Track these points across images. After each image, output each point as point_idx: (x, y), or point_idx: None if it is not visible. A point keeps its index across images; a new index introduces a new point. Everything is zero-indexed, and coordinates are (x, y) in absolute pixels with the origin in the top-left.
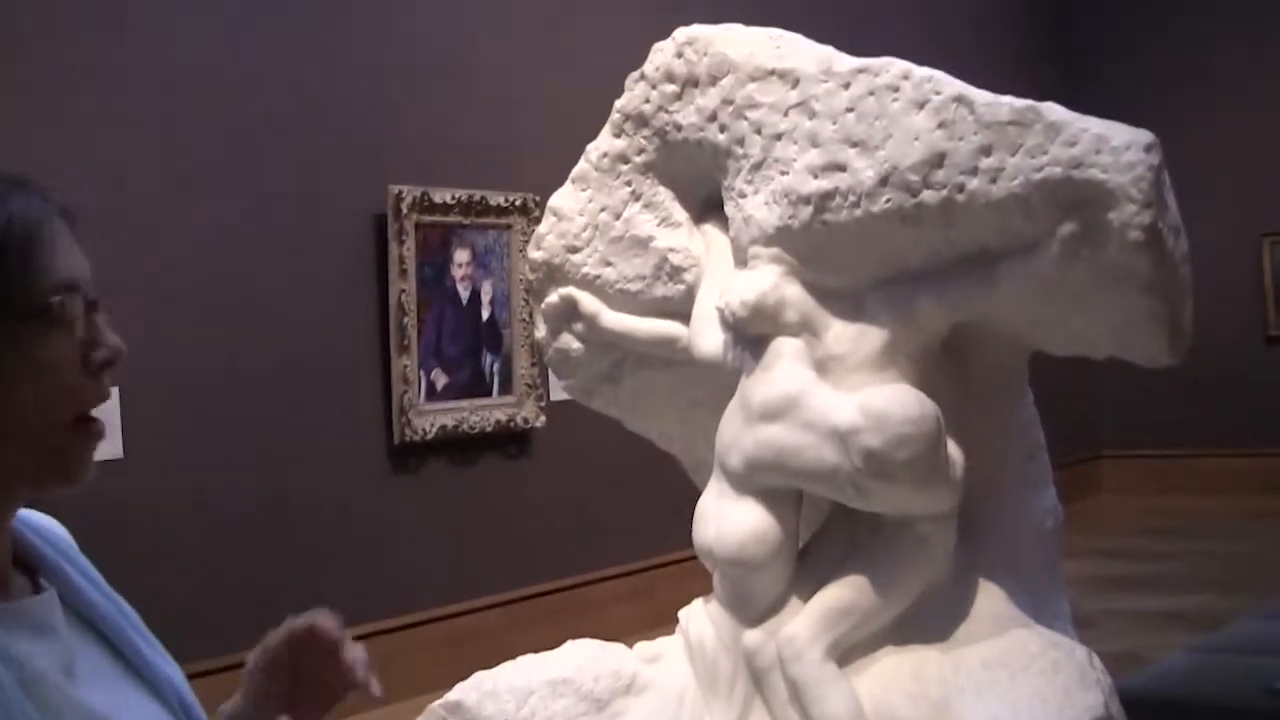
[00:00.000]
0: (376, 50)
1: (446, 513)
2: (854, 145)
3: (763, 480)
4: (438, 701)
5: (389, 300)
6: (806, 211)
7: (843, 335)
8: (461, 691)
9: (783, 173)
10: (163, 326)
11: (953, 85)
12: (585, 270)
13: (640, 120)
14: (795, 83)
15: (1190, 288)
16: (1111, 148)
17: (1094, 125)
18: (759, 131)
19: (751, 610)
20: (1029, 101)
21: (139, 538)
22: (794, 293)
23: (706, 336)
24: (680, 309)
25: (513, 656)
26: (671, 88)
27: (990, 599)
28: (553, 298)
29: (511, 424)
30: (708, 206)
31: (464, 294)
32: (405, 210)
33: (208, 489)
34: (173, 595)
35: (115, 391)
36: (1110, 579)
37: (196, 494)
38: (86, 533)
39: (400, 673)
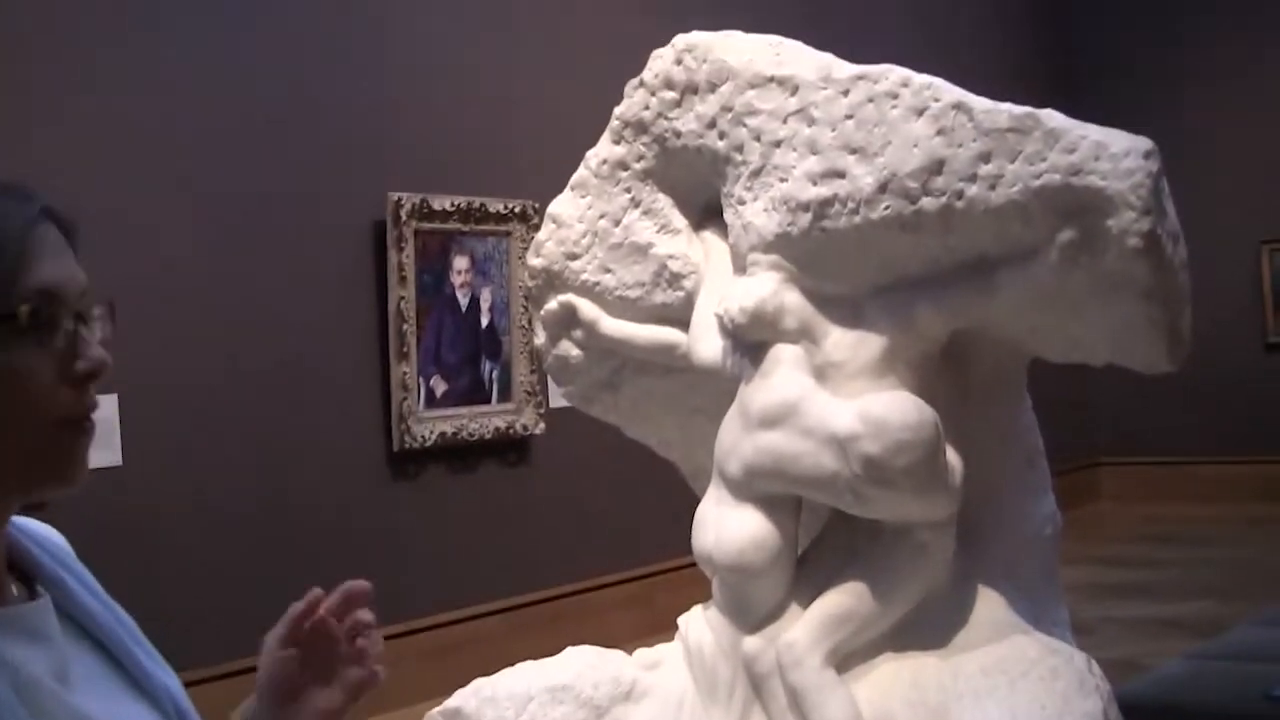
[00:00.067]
0: (376, 57)
1: (446, 520)
2: (853, 152)
3: (762, 487)
4: (437, 708)
5: (388, 307)
6: (805, 218)
7: (842, 342)
8: (461, 698)
9: (782, 179)
10: (162, 332)
11: (952, 92)
12: (584, 277)
13: (640, 127)
14: (794, 90)
15: (1189, 294)
16: (1110, 155)
17: (1093, 132)
18: (758, 138)
19: (750, 617)
20: (1028, 108)
21: (138, 544)
22: (793, 299)
23: (705, 343)
24: (679, 316)
25: (512, 663)
26: (671, 94)
27: (989, 605)
28: (552, 304)
29: (510, 431)
30: (707, 213)
31: (463, 301)
32: (404, 217)
33: (207, 496)
34: (171, 602)
35: (114, 400)
36: (1109, 586)
37: (196, 501)
38: (85, 539)
39: (399, 679)
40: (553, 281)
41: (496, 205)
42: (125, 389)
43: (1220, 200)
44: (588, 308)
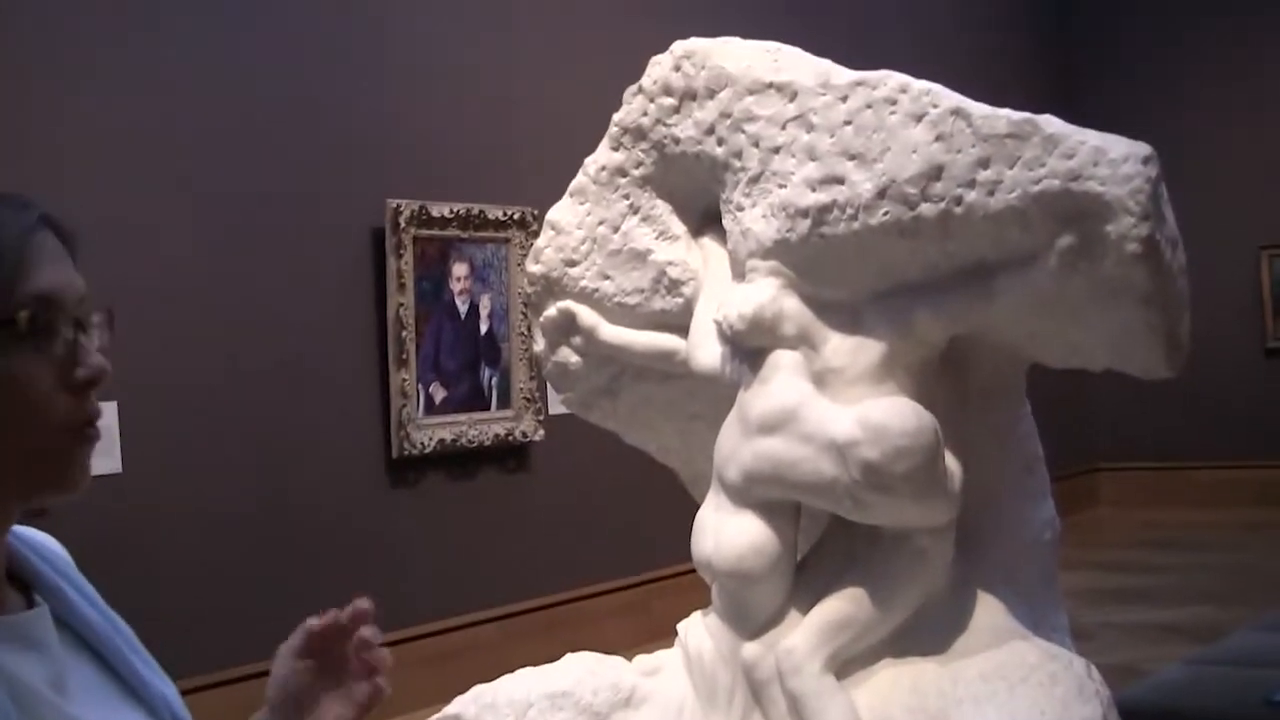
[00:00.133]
0: (375, 62)
1: (445, 526)
2: (852, 158)
3: (761, 493)
4: (436, 715)
5: (387, 314)
6: (804, 224)
7: (841, 348)
8: (460, 705)
9: (780, 186)
10: (162, 338)
11: (950, 98)
12: (583, 284)
13: (638, 134)
14: (793, 96)
15: (1187, 300)
16: (1109, 160)
17: (1092, 138)
18: (757, 144)
19: (750, 623)
20: (1027, 114)
21: (139, 551)
22: (792, 305)
23: (705, 349)
24: (678, 322)
25: (511, 669)
26: (669, 101)
27: (988, 611)
28: (551, 311)
29: (510, 438)
30: (706, 219)
31: (462, 308)
32: (403, 224)
33: (207, 503)
34: (171, 609)
35: (114, 407)
36: (1108, 591)
37: (196, 508)
38: (85, 547)
39: (399, 686)
40: (552, 288)
41: (495, 212)
42: (126, 396)
43: (1219, 206)
44: (587, 314)
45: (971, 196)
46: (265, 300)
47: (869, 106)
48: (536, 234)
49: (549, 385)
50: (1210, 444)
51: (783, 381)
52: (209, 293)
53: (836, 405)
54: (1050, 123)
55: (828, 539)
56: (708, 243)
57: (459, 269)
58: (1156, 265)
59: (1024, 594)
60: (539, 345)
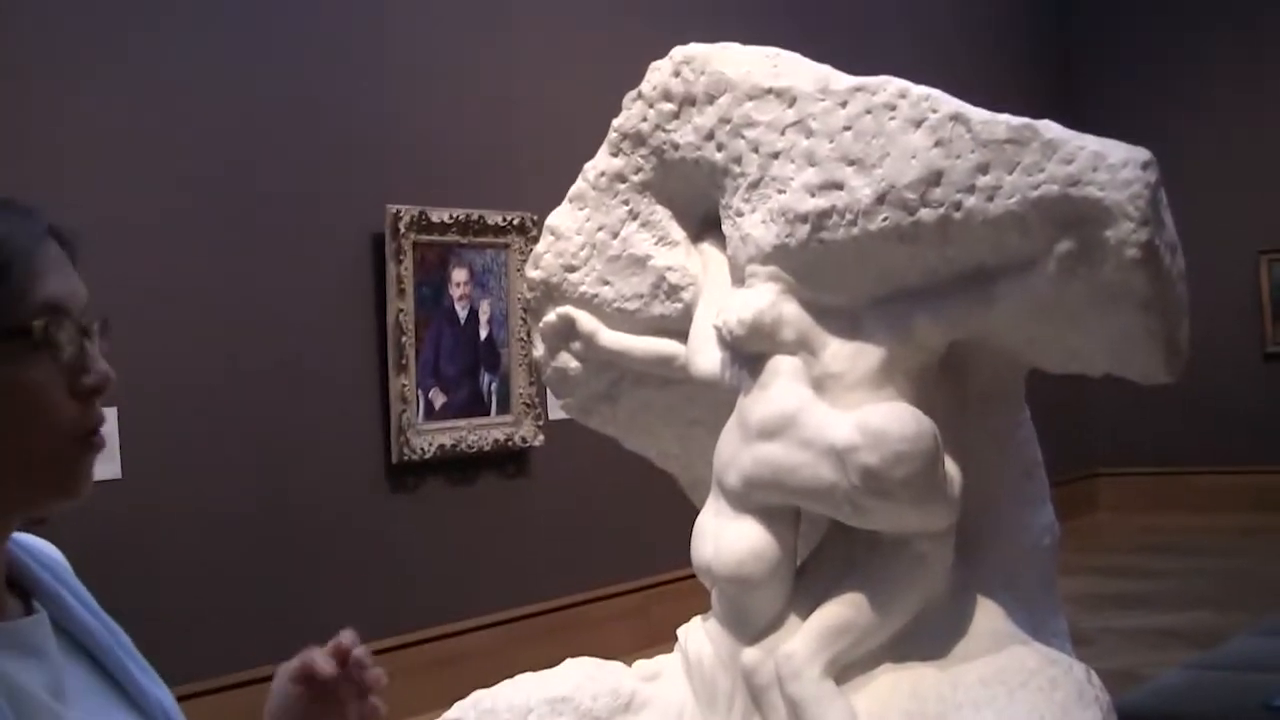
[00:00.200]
0: (374, 67)
1: (444, 532)
2: (851, 164)
3: (760, 498)
4: None
5: (387, 319)
6: (804, 230)
7: (840, 353)
8: (460, 710)
9: (780, 191)
10: (162, 343)
11: (950, 103)
12: (583, 289)
13: (638, 139)
14: (792, 101)
15: (1187, 305)
16: (1108, 165)
17: (1091, 143)
18: (756, 150)
19: (749, 628)
20: (1026, 119)
21: (137, 557)
22: (791, 311)
23: (704, 355)
24: (678, 327)
25: (511, 675)
26: (669, 106)
27: (988, 616)
28: (550, 316)
29: (509, 443)
30: (705, 225)
31: (462, 313)
32: (403, 229)
33: (207, 508)
34: (170, 615)
35: (114, 412)
36: (1107, 596)
37: (196, 514)
38: (84, 552)
39: (399, 692)
40: (551, 293)
41: (495, 217)
42: (125, 402)
43: (1218, 211)
44: (586, 320)
45: (971, 202)
46: (265, 305)
47: (868, 112)
48: (536, 239)
49: (549, 390)
50: (1209, 449)
51: (782, 387)
52: (209, 298)
53: (836, 410)
54: (1049, 128)
55: (827, 544)
56: (707, 248)
57: (459, 274)
58: (1156, 270)
59: (1023, 599)
60: (539, 350)
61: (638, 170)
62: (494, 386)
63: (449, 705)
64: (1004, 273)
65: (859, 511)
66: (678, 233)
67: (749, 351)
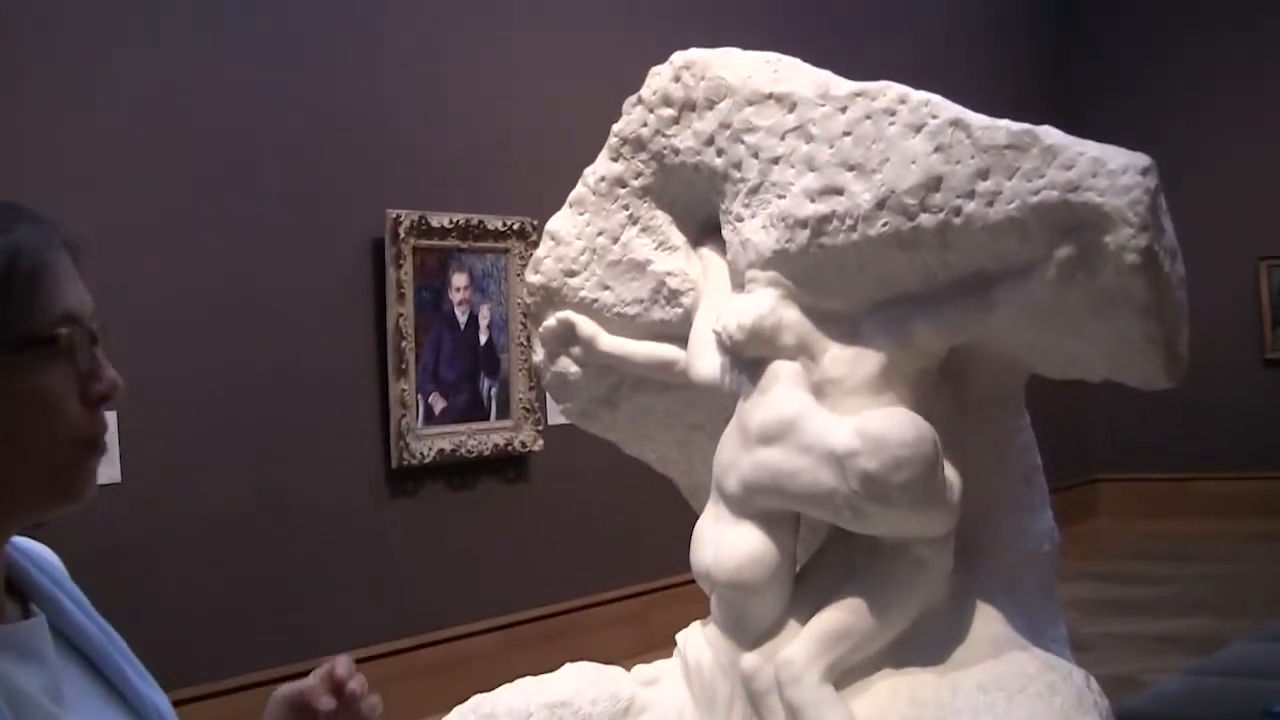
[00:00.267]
0: (374, 74)
1: (444, 536)
2: (851, 169)
3: (760, 503)
4: None
5: (386, 324)
6: (804, 235)
7: (840, 358)
8: (459, 714)
9: (780, 196)
10: (161, 350)
11: (949, 109)
12: (583, 294)
13: (638, 144)
14: (792, 106)
15: (1186, 311)
16: (1108, 171)
17: (1091, 149)
18: (756, 155)
19: (749, 633)
20: (1026, 125)
21: (137, 561)
22: (791, 316)
23: (704, 360)
24: (678, 332)
25: (510, 679)
26: (669, 112)
27: (987, 621)
28: (550, 321)
29: (509, 448)
30: (705, 230)
31: (462, 318)
32: (403, 234)
33: (206, 512)
34: (169, 619)
35: (114, 416)
36: (1107, 602)
37: (195, 518)
38: (84, 556)
39: (398, 696)
40: (551, 298)
41: (495, 222)
42: (126, 406)
43: (1218, 216)
44: (586, 324)
45: (970, 207)
46: (265, 310)
47: (868, 117)
48: (536, 244)
49: (548, 395)
50: (1209, 455)
51: (782, 392)
52: (209, 302)
53: (835, 416)
54: (1049, 134)
55: (827, 549)
56: (707, 253)
57: (458, 279)
58: (1155, 276)
59: (1023, 605)
60: (538, 355)
61: (638, 175)
62: (494, 391)
63: (448, 710)
64: (1003, 278)
65: (859, 517)
66: (678, 238)
67: (749, 356)
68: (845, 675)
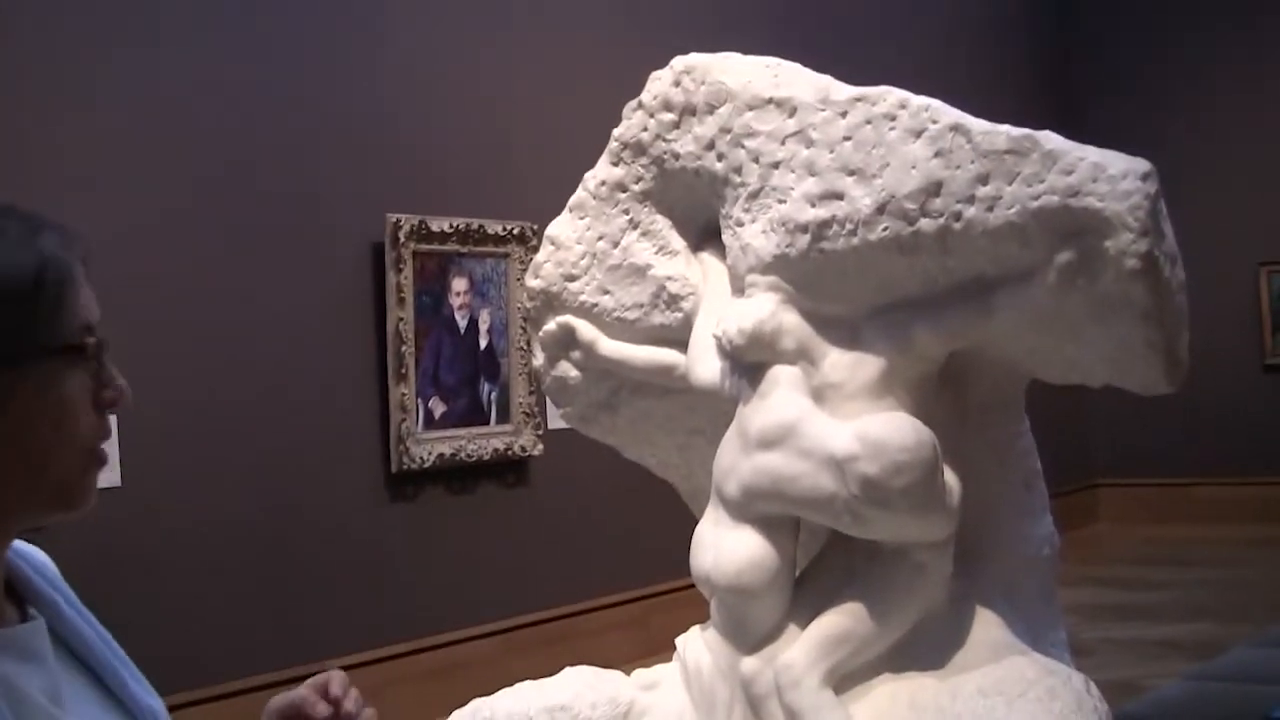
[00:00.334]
0: (374, 79)
1: (444, 541)
2: (851, 174)
3: (760, 508)
4: None
5: (386, 328)
6: (804, 240)
7: (840, 363)
8: (459, 719)
9: (780, 201)
10: (161, 353)
11: (950, 114)
12: (583, 298)
13: (638, 148)
14: (793, 111)
15: (1186, 316)
16: (1108, 176)
17: (1091, 154)
18: (756, 160)
19: (749, 637)
20: (1026, 130)
21: (137, 565)
22: (791, 321)
23: (704, 364)
24: (678, 337)
25: (510, 684)
26: (669, 116)
27: (987, 626)
28: (550, 326)
29: (509, 452)
30: (705, 234)
31: (462, 322)
32: (403, 239)
33: (205, 517)
34: (169, 623)
35: (113, 420)
36: (1107, 607)
37: (195, 522)
38: (83, 559)
39: (398, 700)
40: (551, 303)
41: (495, 227)
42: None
43: (1219, 222)
44: (586, 329)
45: (970, 212)
46: (265, 314)
47: (868, 122)
48: (536, 249)
49: (548, 400)
50: (1210, 460)
51: (782, 396)
52: (209, 306)
53: (835, 420)
54: (1049, 139)
55: (827, 554)
56: (707, 258)
57: (458, 284)
58: (1155, 281)
59: (1023, 609)
60: (538, 360)
61: (638, 179)
62: (494, 396)
63: (447, 714)
64: (1003, 283)
65: (858, 521)
66: (678, 242)
67: (749, 361)
68: (845, 680)
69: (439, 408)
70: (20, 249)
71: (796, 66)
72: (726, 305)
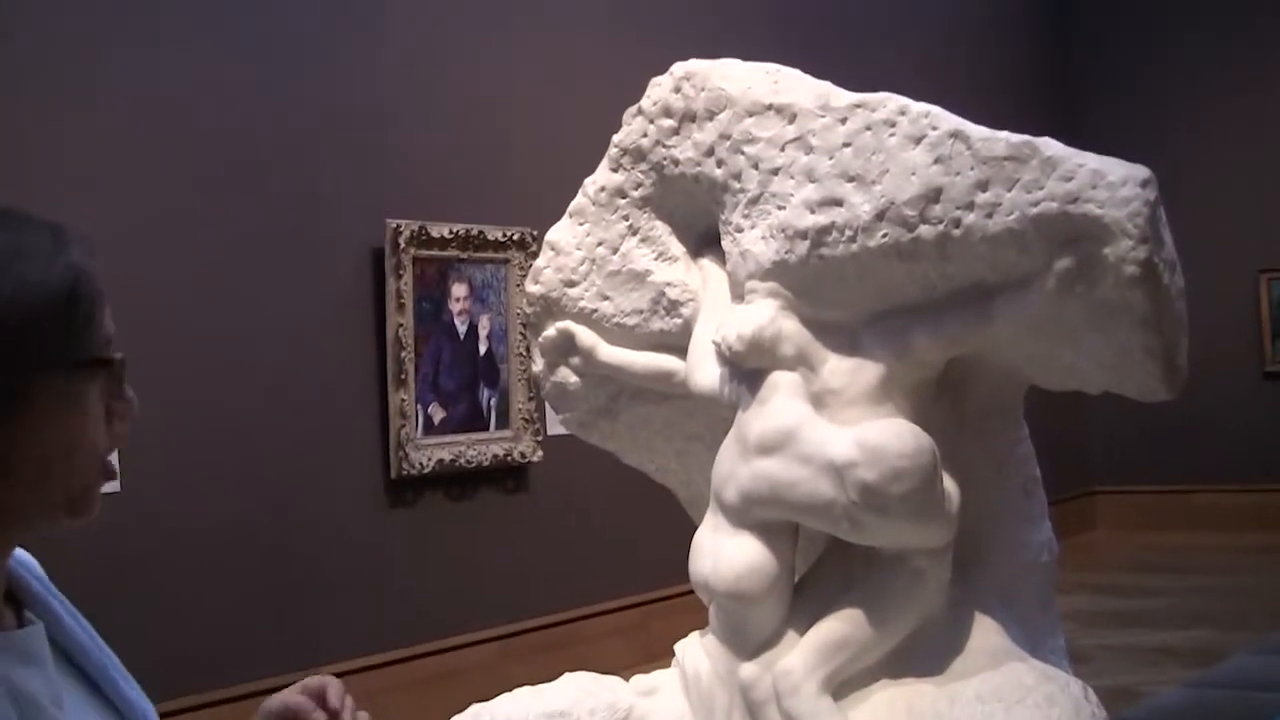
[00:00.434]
0: (374, 85)
1: (443, 546)
2: (851, 180)
3: (759, 514)
4: None
5: (386, 334)
6: (803, 246)
7: (839, 369)
8: None
9: (780, 207)
10: (161, 359)
11: (949, 120)
12: (582, 304)
13: (638, 155)
14: (792, 118)
15: (1186, 323)
16: (1108, 183)
17: (1090, 160)
18: (756, 166)
19: (747, 643)
20: (1025, 137)
21: (136, 570)
22: (790, 327)
23: (703, 370)
24: (677, 343)
25: (509, 689)
26: (669, 122)
27: (985, 633)
28: (550, 331)
29: (508, 458)
30: (705, 241)
31: (461, 328)
32: (403, 244)
33: (204, 522)
34: (168, 628)
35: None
36: (1105, 614)
37: (193, 527)
38: (83, 564)
39: (397, 705)
40: (551, 308)
41: (495, 233)
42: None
43: (1218, 229)
44: (585, 335)
45: (970, 219)
46: (265, 319)
47: (868, 128)
48: (536, 254)
49: (548, 406)
50: (1208, 467)
51: (781, 402)
52: (209, 312)
53: (834, 426)
54: (1049, 145)
55: (825, 560)
56: (707, 264)
57: (458, 289)
58: (1154, 288)
59: (1021, 616)
60: (538, 366)
61: (638, 186)
62: (493, 402)
63: (447, 719)
64: (1003, 290)
65: (857, 527)
66: (677, 248)
67: (748, 367)
68: (843, 686)
69: (438, 413)
70: (53, 263)
71: (796, 72)
72: (726, 311)
